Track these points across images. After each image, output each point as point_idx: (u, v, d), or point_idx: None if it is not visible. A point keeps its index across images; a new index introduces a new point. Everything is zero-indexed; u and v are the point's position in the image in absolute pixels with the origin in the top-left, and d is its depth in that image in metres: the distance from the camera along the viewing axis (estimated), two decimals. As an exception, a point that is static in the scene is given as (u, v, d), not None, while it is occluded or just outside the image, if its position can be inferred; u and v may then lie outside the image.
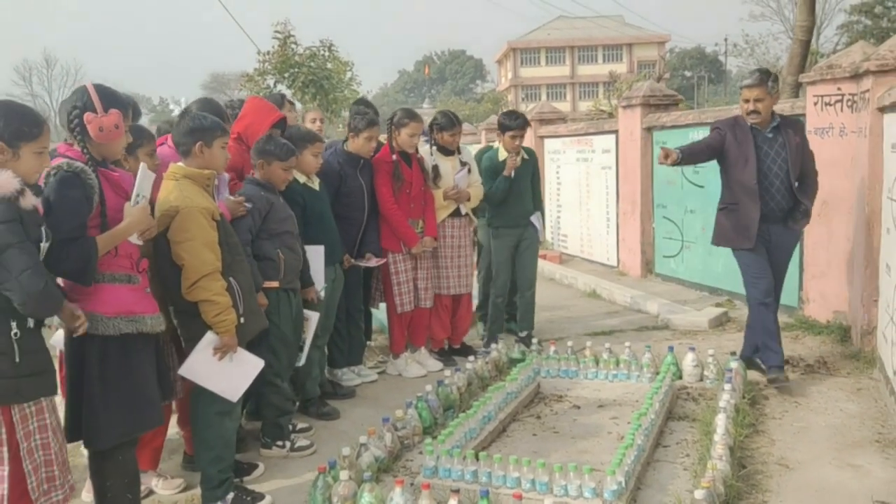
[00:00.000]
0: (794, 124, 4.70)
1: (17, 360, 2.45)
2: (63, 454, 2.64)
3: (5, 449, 2.45)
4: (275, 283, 3.81)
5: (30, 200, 2.43)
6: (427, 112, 5.43)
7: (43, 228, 2.54)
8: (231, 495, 3.35)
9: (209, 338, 3.16)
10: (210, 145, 3.23)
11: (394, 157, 4.97)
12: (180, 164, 3.20)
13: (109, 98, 2.84)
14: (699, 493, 2.94)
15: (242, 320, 3.27)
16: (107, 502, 2.92)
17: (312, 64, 16.94)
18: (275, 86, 17.08)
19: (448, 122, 5.30)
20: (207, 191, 3.26)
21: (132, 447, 2.99)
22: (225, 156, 3.35)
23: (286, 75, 16.75)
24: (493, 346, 5.35)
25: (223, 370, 3.23)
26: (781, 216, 4.63)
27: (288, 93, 16.33)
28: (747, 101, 4.55)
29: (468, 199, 5.39)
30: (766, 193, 4.57)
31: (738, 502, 3.21)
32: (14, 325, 2.44)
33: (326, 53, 17.53)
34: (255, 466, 3.76)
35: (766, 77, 4.50)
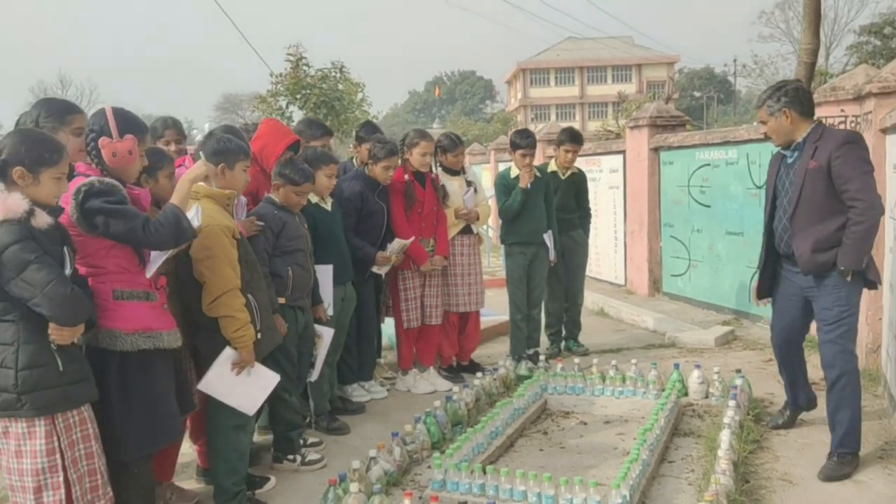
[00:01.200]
0: (828, 139, 3.68)
1: (61, 369, 2.58)
2: (103, 464, 2.75)
3: (58, 456, 2.58)
4: (281, 300, 3.91)
5: (42, 220, 2.55)
6: (436, 132, 5.55)
7: (67, 255, 2.64)
8: None
9: (228, 353, 3.27)
10: (232, 167, 3.37)
11: (406, 177, 5.09)
12: (202, 184, 3.32)
13: (126, 123, 2.94)
14: (702, 507, 3.00)
15: (259, 336, 3.37)
16: None
17: (324, 85, 17.19)
18: (287, 107, 17.33)
19: (451, 144, 5.45)
20: (227, 210, 3.37)
21: (148, 460, 3.09)
22: (245, 178, 3.49)
23: (298, 97, 16.98)
24: (502, 363, 5.43)
25: (241, 385, 3.34)
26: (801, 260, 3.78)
27: (299, 114, 16.57)
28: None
29: (477, 219, 5.51)
30: (776, 233, 3.95)
31: (741, 516, 3.26)
32: (50, 331, 2.57)
33: (338, 75, 17.79)
34: (267, 479, 3.84)
35: (765, 97, 3.88)
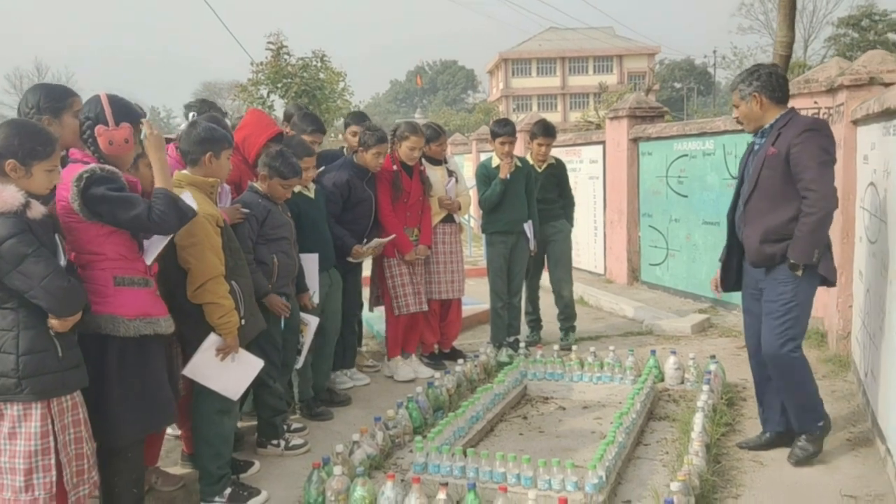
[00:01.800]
0: (792, 126, 3.54)
1: (60, 354, 2.63)
2: (91, 449, 2.80)
3: (51, 439, 2.64)
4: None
5: (37, 210, 2.59)
6: (418, 122, 5.57)
7: (59, 244, 2.68)
8: (229, 490, 3.50)
9: (213, 339, 3.32)
10: (218, 156, 3.42)
11: (394, 167, 5.15)
12: (185, 171, 3.36)
13: (122, 111, 2.97)
14: (675, 486, 3.10)
15: (243, 322, 3.42)
16: (113, 498, 3.05)
17: (305, 74, 17.15)
18: (268, 96, 17.27)
19: (433, 134, 5.53)
20: (211, 198, 3.42)
21: (141, 444, 3.14)
22: (229, 167, 3.53)
23: (279, 85, 16.94)
24: (483, 350, 5.52)
25: (225, 370, 3.39)
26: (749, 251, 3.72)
27: (280, 103, 16.54)
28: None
29: (459, 209, 5.59)
30: (736, 222, 3.84)
31: (712, 496, 3.37)
32: (50, 321, 2.62)
33: (319, 64, 17.75)
34: (252, 464, 3.90)
35: (738, 80, 3.74)
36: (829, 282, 3.67)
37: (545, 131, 6.07)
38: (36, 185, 2.65)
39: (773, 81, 3.62)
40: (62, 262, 2.65)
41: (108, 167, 2.87)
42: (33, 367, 2.59)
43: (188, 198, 3.09)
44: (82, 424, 2.75)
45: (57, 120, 3.00)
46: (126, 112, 2.99)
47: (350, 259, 4.99)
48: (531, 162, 6.09)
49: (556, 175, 6.19)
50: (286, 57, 17.26)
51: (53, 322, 2.63)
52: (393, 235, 5.06)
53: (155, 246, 3.06)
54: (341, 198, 4.93)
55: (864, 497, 3.35)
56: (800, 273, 3.51)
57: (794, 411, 3.70)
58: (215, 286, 3.27)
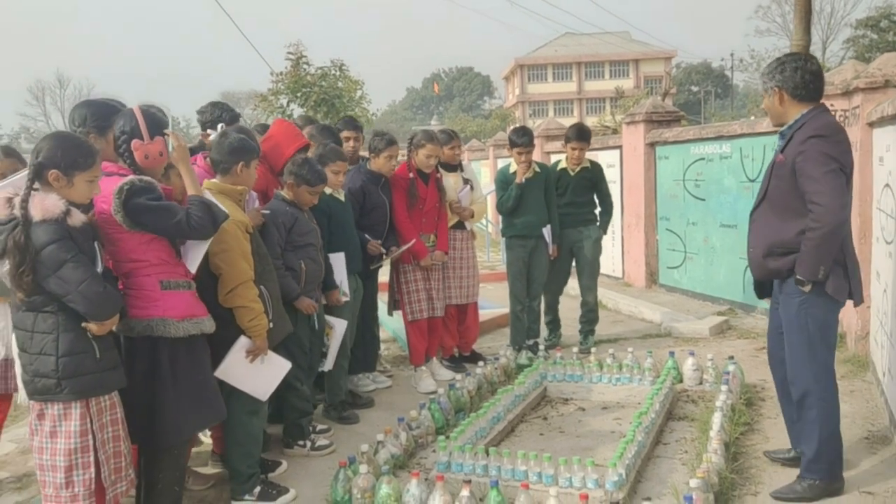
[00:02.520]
0: (803, 130, 3.27)
1: (98, 356, 2.76)
2: (127, 447, 2.92)
3: (90, 437, 2.76)
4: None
5: (77, 218, 2.71)
6: (435, 129, 5.68)
7: (98, 251, 2.80)
8: (258, 489, 3.61)
9: (243, 342, 3.44)
10: (248, 165, 3.57)
11: (410, 175, 5.24)
12: (214, 180, 3.48)
13: (155, 124, 3.09)
14: (694, 482, 3.16)
15: (272, 325, 3.54)
16: (155, 494, 3.16)
17: (324, 83, 17.37)
18: (288, 105, 17.50)
19: (446, 138, 5.63)
20: (240, 205, 3.54)
21: (187, 444, 3.27)
22: (255, 175, 3.67)
23: (299, 95, 17.15)
24: (502, 353, 5.59)
25: (254, 372, 3.52)
26: (751, 263, 3.57)
27: (300, 111, 16.73)
28: None
29: (471, 216, 5.65)
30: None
31: (731, 493, 3.43)
32: (88, 325, 2.74)
33: (338, 73, 17.95)
34: (279, 464, 4.01)
35: (765, 70, 3.49)
36: (853, 298, 3.35)
37: (579, 135, 6.09)
38: (77, 195, 2.77)
39: (797, 77, 3.30)
40: (99, 268, 2.76)
41: (145, 178, 2.99)
42: (72, 369, 2.71)
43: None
44: (119, 423, 2.87)
45: (102, 137, 3.12)
46: (159, 125, 3.11)
47: (371, 266, 5.09)
48: (565, 165, 6.13)
49: (590, 178, 6.14)
50: (305, 66, 17.49)
51: (91, 326, 2.74)
52: (412, 242, 5.13)
53: (194, 253, 3.17)
54: (357, 204, 5.03)
55: (882, 493, 3.39)
56: (807, 289, 3.27)
57: (808, 452, 3.41)
58: (245, 290, 3.39)
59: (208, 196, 3.18)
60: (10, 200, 2.67)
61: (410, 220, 5.21)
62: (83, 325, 2.73)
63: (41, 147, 2.74)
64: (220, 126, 3.92)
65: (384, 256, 5.10)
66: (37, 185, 2.71)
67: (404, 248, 5.11)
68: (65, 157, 2.72)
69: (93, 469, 2.78)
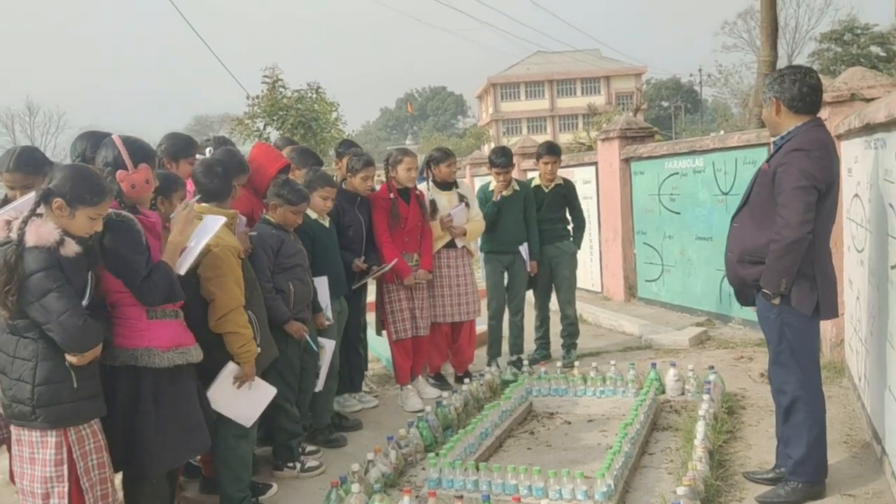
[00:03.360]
0: (794, 140, 3.33)
1: (76, 385, 2.76)
2: (112, 474, 2.92)
3: (65, 468, 2.75)
4: None
5: (71, 249, 2.73)
6: (411, 149, 5.75)
7: (89, 280, 2.81)
8: None
9: (231, 368, 3.46)
10: (237, 189, 3.67)
11: (391, 195, 5.28)
12: (206, 205, 3.51)
13: (138, 152, 3.11)
14: (681, 490, 3.23)
15: (259, 350, 3.56)
16: None
17: (300, 106, 17.43)
18: (264, 128, 17.53)
19: (442, 156, 5.66)
20: (232, 230, 3.58)
21: (173, 472, 3.27)
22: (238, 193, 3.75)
23: (275, 118, 17.20)
24: (488, 368, 5.65)
25: (240, 398, 3.53)
26: (727, 269, 3.66)
27: (276, 134, 16.76)
28: None
29: (463, 234, 5.68)
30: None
31: (717, 499, 3.51)
32: (67, 356, 2.74)
33: (314, 95, 18.04)
34: (270, 486, 4.02)
35: (767, 80, 3.52)
36: (826, 313, 3.40)
37: (549, 150, 6.24)
38: (76, 227, 2.78)
39: (794, 89, 3.34)
40: (86, 301, 2.77)
41: (123, 214, 3.00)
42: (48, 398, 2.71)
43: (216, 221, 3.23)
44: (103, 451, 2.87)
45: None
46: (142, 152, 3.12)
47: (353, 286, 5.11)
48: (538, 182, 6.25)
49: (564, 195, 6.27)
50: (282, 90, 17.56)
51: (70, 358, 2.74)
52: (394, 262, 5.16)
53: (188, 259, 3.17)
54: (334, 223, 5.04)
55: (863, 495, 3.49)
56: (775, 302, 3.36)
57: (794, 455, 3.49)
58: (237, 316, 3.41)
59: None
60: (8, 223, 2.70)
61: (392, 240, 5.25)
62: (65, 356, 2.73)
63: (55, 175, 2.79)
64: (207, 151, 3.95)
65: (366, 275, 5.13)
66: (41, 209, 2.72)
67: (386, 267, 5.14)
68: (73, 189, 2.75)
69: (66, 500, 2.76)
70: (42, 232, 2.67)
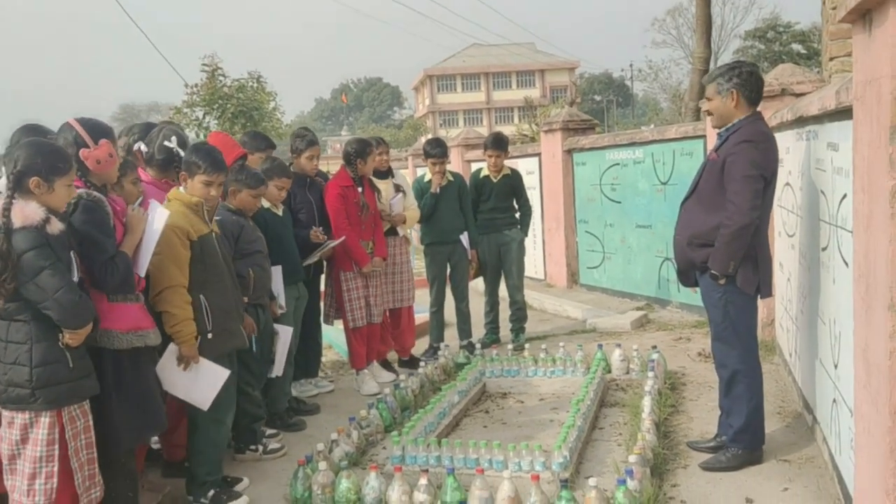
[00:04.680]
0: (737, 134, 3.57)
1: (71, 365, 2.79)
2: (95, 455, 2.95)
3: (56, 447, 2.78)
4: (244, 299, 4.15)
5: (56, 226, 2.76)
6: (346, 139, 5.81)
7: (73, 259, 2.84)
8: (212, 492, 3.65)
9: (172, 348, 3.44)
10: (193, 178, 3.64)
11: (360, 189, 5.34)
12: (178, 190, 3.59)
13: (96, 130, 3.13)
14: (632, 458, 3.45)
15: (210, 336, 3.56)
16: (110, 502, 3.20)
17: (241, 95, 17.19)
18: (204, 117, 17.22)
19: (375, 143, 5.70)
20: (198, 214, 3.60)
21: (133, 452, 3.31)
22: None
23: (215, 107, 16.92)
24: (439, 352, 5.80)
25: (188, 380, 3.50)
26: (675, 251, 3.87)
27: (215, 124, 16.52)
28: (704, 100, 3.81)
29: (404, 222, 5.84)
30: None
31: (664, 466, 3.74)
32: (61, 336, 2.78)
33: (255, 85, 17.82)
34: (240, 480, 3.94)
35: (716, 74, 3.70)
36: (762, 292, 3.67)
37: (495, 144, 6.42)
38: (56, 201, 2.81)
39: (751, 81, 3.60)
40: (75, 277, 2.81)
41: (93, 194, 3.03)
42: (46, 378, 2.75)
43: (161, 216, 3.24)
44: (91, 431, 2.92)
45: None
46: (99, 129, 3.15)
47: (304, 262, 5.07)
48: (487, 172, 6.41)
49: (512, 185, 6.46)
50: (221, 78, 17.28)
51: (67, 339, 2.78)
52: (342, 238, 5.17)
53: (143, 259, 3.22)
54: (286, 206, 5.08)
55: (797, 461, 3.77)
56: (721, 283, 3.58)
57: (735, 424, 3.74)
58: (172, 295, 3.41)
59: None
60: None
61: (351, 229, 5.29)
62: (60, 337, 2.77)
63: (18, 155, 2.76)
64: (172, 138, 3.96)
65: (319, 249, 5.11)
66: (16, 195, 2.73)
67: (336, 242, 5.14)
68: (45, 163, 2.76)
69: (55, 479, 2.81)
70: (28, 212, 2.68)
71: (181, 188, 3.64)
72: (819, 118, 3.71)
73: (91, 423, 2.92)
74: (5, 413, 2.81)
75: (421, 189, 6.15)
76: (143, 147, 4.04)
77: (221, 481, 3.76)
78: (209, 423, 3.64)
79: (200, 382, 3.53)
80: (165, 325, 3.39)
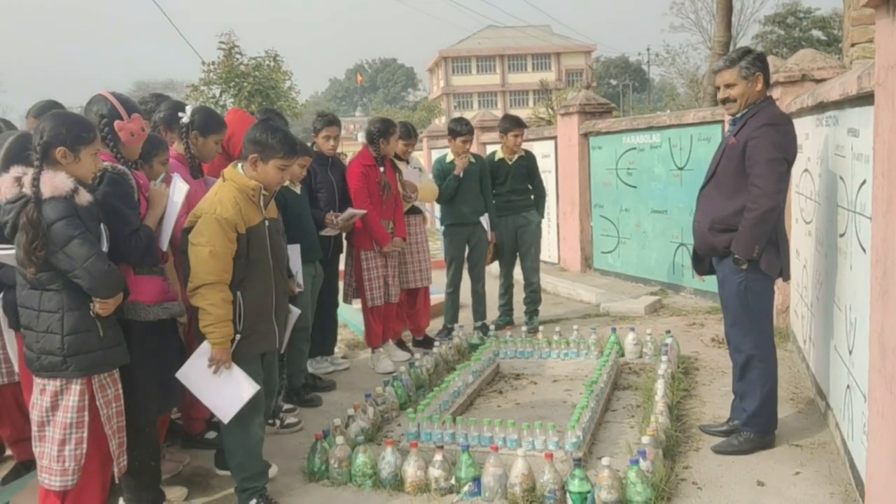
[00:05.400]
0: (757, 118, 3.57)
1: (101, 334, 2.87)
2: (125, 423, 3.05)
3: (86, 413, 2.86)
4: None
5: (84, 197, 2.82)
6: (361, 121, 5.88)
7: (103, 230, 2.90)
8: (253, 501, 3.34)
9: (205, 347, 3.18)
10: (266, 162, 3.27)
11: (382, 169, 5.38)
12: (238, 167, 3.32)
13: (128, 104, 3.23)
14: (646, 439, 3.49)
15: (239, 337, 3.21)
16: (134, 470, 3.28)
17: (258, 74, 17.21)
18: (220, 95, 17.27)
19: (406, 132, 5.83)
20: (252, 201, 3.26)
21: (156, 421, 3.38)
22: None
23: (232, 85, 16.95)
24: (453, 333, 5.85)
25: (215, 384, 3.20)
26: (696, 238, 3.84)
27: (230, 102, 16.57)
28: (718, 88, 3.76)
29: (415, 192, 5.82)
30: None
31: (676, 449, 3.78)
32: (92, 306, 2.84)
33: (272, 63, 17.83)
34: (269, 465, 3.72)
35: (736, 57, 3.65)
36: (782, 275, 3.69)
37: (518, 123, 6.41)
38: (83, 170, 2.86)
39: (767, 65, 3.68)
40: (105, 247, 2.87)
41: (119, 168, 3.09)
42: (77, 346, 2.82)
43: (181, 191, 3.26)
44: (122, 399, 3.00)
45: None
46: (130, 104, 3.24)
47: (323, 232, 5.10)
48: (502, 155, 6.42)
49: (527, 166, 6.46)
50: (238, 56, 17.29)
51: (98, 308, 2.84)
52: (364, 211, 5.21)
53: (166, 230, 3.26)
54: (305, 185, 5.11)
55: (809, 445, 3.80)
56: (744, 267, 3.58)
57: (749, 409, 3.76)
58: (209, 292, 3.10)
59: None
60: (18, 180, 2.75)
61: (372, 209, 5.31)
62: (91, 306, 2.83)
63: (43, 127, 2.81)
64: (188, 107, 3.99)
65: (339, 221, 5.14)
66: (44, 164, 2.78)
67: (358, 212, 5.17)
68: (70, 133, 2.81)
69: (84, 446, 2.89)
70: (56, 182, 2.74)
71: (239, 166, 3.30)
72: (840, 104, 3.70)
73: (121, 391, 3.00)
74: (37, 380, 2.88)
75: (443, 170, 6.14)
76: (186, 118, 3.89)
77: (263, 490, 3.39)
78: (233, 426, 3.30)
79: (226, 391, 3.21)
80: (201, 322, 3.13)
